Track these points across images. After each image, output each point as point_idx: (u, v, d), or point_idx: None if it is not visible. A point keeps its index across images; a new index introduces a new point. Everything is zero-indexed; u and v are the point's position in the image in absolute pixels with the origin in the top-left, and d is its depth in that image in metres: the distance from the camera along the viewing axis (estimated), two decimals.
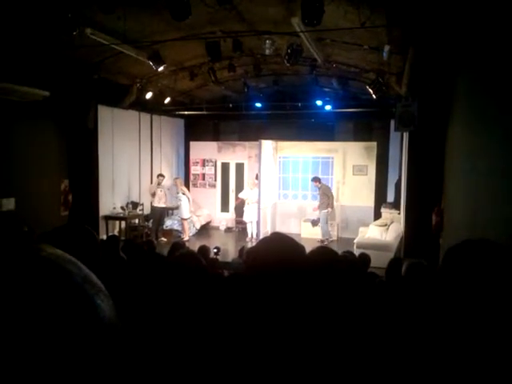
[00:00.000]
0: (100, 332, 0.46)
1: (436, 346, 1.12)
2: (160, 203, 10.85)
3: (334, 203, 11.83)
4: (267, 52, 6.86)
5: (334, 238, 11.52)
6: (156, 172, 11.63)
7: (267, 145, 11.72)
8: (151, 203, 11.05)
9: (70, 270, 0.48)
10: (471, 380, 1.04)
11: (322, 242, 10.73)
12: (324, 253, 1.98)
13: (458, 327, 1.08)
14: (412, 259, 3.62)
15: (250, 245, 9.94)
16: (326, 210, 10.93)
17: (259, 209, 11.20)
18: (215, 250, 7.20)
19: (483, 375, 1.03)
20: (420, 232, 7.35)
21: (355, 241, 9.27)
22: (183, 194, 11.17)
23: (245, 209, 11.57)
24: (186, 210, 11.13)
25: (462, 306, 1.08)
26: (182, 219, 11.24)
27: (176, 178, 11.73)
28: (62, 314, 0.44)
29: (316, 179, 11.22)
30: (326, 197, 10.98)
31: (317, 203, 11.24)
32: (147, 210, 11.13)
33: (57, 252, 0.50)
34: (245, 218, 11.60)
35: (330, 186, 12.10)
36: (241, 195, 11.73)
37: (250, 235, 11.43)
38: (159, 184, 10.82)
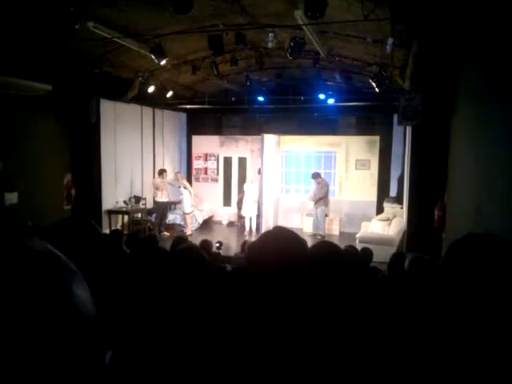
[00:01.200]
0: (76, 321, 0.45)
1: (438, 342, 1.12)
2: (163, 197, 10.88)
3: (337, 198, 11.94)
4: (270, 45, 6.81)
5: (336, 233, 11.57)
6: (158, 166, 11.63)
7: (270, 139, 11.69)
8: (154, 198, 11.07)
9: (49, 257, 0.48)
10: (475, 376, 1.04)
11: (321, 236, 10.79)
12: (326, 247, 1.98)
13: (461, 323, 1.08)
14: (415, 254, 3.62)
15: (248, 239, 9.97)
16: (323, 207, 10.99)
17: (261, 203, 11.21)
18: (217, 245, 7.21)
19: (486, 372, 1.03)
20: (422, 227, 7.34)
21: (357, 235, 9.27)
22: (185, 188, 11.18)
23: (243, 204, 11.59)
24: (187, 205, 11.15)
25: (465, 301, 1.08)
26: (185, 213, 11.26)
27: (177, 173, 11.74)
28: (36, 300, 0.43)
29: (316, 175, 11.18)
30: (324, 193, 11.01)
31: (313, 194, 11.24)
32: (150, 204, 11.15)
33: (37, 241, 0.50)
34: (243, 213, 11.63)
35: (332, 180, 12.12)
36: (245, 188, 11.70)
37: (247, 229, 11.46)
38: (163, 178, 10.86)
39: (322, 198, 10.97)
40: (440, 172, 6.97)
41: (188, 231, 11.05)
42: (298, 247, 1.36)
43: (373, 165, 11.73)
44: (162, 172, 10.93)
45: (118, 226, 9.76)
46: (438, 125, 7.00)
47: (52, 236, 1.41)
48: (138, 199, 10.61)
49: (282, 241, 1.35)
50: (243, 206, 11.60)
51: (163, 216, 11.16)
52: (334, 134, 11.85)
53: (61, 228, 1.45)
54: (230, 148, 12.99)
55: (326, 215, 11.38)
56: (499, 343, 1.04)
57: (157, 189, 10.83)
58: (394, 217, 9.97)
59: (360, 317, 1.67)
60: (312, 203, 11.24)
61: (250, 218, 11.49)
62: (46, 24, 5.80)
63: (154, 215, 11.03)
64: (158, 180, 10.87)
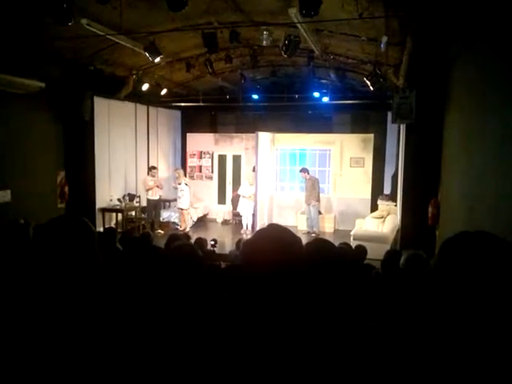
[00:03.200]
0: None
1: (431, 338, 1.12)
2: (154, 195, 10.83)
3: (332, 195, 11.97)
4: (264, 43, 6.80)
5: (331, 230, 11.62)
6: (153, 164, 11.58)
7: (264, 137, 11.68)
8: (146, 195, 11.05)
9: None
10: (469, 376, 1.05)
11: (316, 234, 10.84)
12: (321, 245, 1.98)
13: (453, 320, 1.09)
14: (412, 250, 3.62)
15: (244, 237, 9.97)
16: (315, 202, 11.04)
17: (256, 201, 11.21)
18: (212, 242, 7.20)
19: (481, 372, 1.04)
20: (416, 224, 7.37)
21: (352, 233, 9.29)
22: (186, 184, 11.15)
23: (239, 203, 11.57)
24: (186, 201, 11.13)
25: (458, 298, 1.08)
26: (182, 210, 11.22)
27: (176, 169, 11.72)
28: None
29: (304, 170, 11.24)
30: (315, 189, 11.04)
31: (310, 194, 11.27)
32: (144, 202, 11.12)
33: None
34: (240, 212, 11.64)
35: (327, 178, 12.16)
36: (240, 192, 11.69)
37: (244, 227, 11.47)
38: (153, 176, 10.81)
39: (313, 195, 11.05)
40: (434, 169, 7.00)
41: (186, 227, 11.06)
42: (292, 244, 1.36)
43: (367, 162, 11.77)
44: (151, 169, 10.88)
45: (112, 224, 9.72)
46: (431, 123, 7.02)
47: (46, 234, 1.41)
48: (132, 197, 10.57)
49: (276, 237, 1.35)
50: (240, 206, 11.58)
51: (155, 214, 11.13)
52: (329, 131, 11.87)
53: (54, 226, 1.45)
54: (224, 146, 12.98)
55: (320, 213, 11.40)
56: (493, 340, 1.05)
57: (146, 188, 10.77)
58: (388, 214, 10.01)
59: (353, 313, 1.67)
60: (303, 201, 11.30)
61: (247, 217, 11.49)
62: (39, 21, 5.75)
63: (147, 213, 11.01)
64: (147, 179, 10.80)
